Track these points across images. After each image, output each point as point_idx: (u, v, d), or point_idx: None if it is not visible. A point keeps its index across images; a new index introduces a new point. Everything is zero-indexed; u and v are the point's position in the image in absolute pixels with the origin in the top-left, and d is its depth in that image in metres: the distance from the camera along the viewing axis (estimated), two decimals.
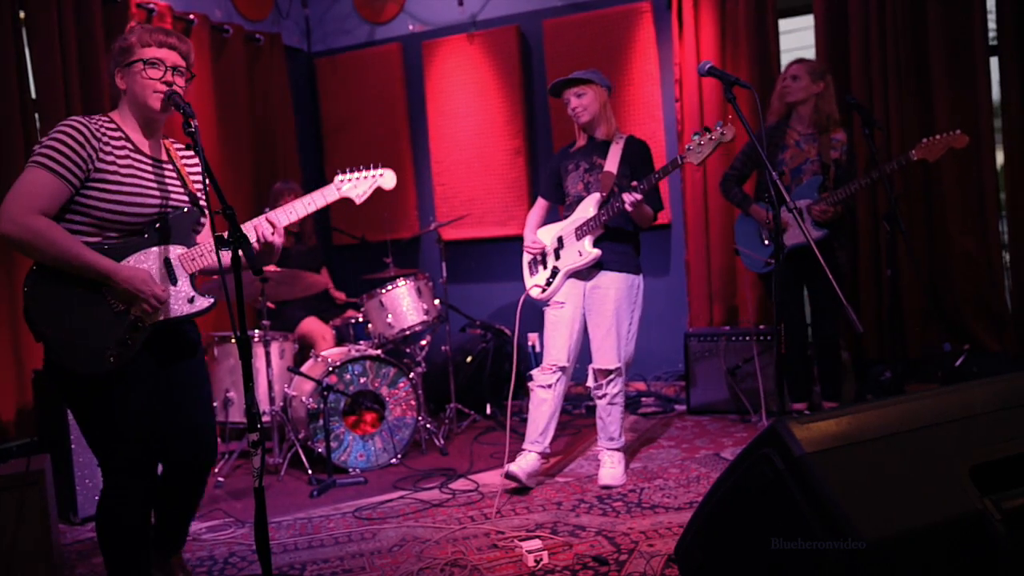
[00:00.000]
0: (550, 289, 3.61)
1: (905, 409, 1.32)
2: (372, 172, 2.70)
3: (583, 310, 3.60)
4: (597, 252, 3.51)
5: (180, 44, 2.29)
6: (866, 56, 4.60)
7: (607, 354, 3.53)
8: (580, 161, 3.64)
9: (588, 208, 3.55)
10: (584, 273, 3.58)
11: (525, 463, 3.54)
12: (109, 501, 2.25)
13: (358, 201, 2.67)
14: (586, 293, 3.59)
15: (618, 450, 3.62)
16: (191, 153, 2.44)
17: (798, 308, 4.09)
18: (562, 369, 3.57)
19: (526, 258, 3.78)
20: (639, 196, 3.35)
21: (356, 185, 2.66)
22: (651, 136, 5.12)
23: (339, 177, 2.66)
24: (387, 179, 2.73)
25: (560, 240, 3.63)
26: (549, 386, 3.57)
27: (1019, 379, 1.41)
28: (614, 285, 3.54)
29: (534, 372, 3.63)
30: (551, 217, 3.84)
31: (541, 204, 3.85)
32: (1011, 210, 4.45)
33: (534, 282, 3.69)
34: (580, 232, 3.54)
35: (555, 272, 3.62)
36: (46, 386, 3.53)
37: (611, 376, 3.54)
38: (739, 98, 2.83)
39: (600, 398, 3.58)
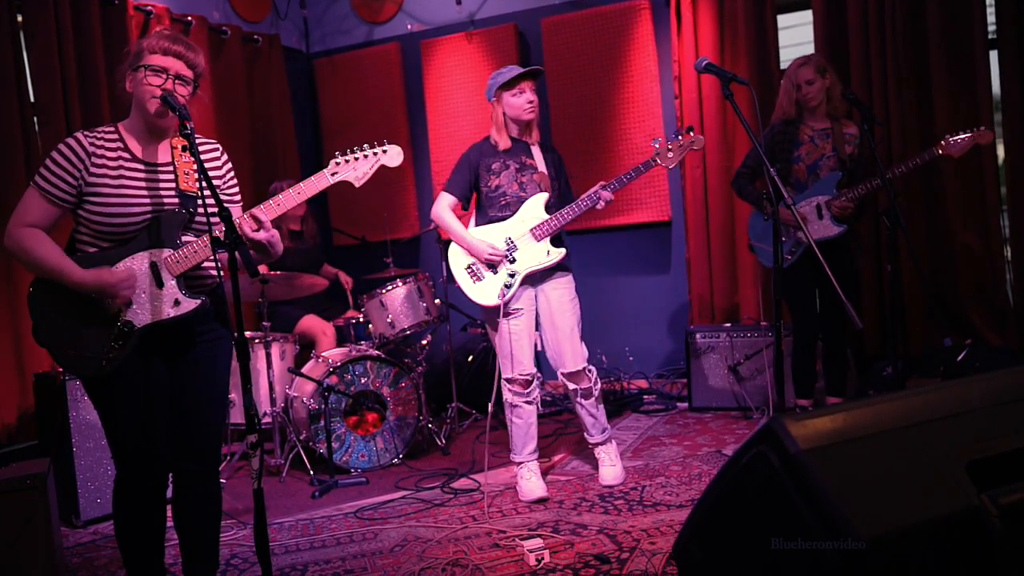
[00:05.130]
0: (510, 292, 3.47)
1: (902, 405, 1.32)
2: (373, 150, 2.44)
3: (535, 314, 3.56)
4: (563, 251, 3.49)
5: (187, 53, 2.27)
6: (865, 50, 4.59)
7: (577, 353, 3.52)
8: (508, 161, 3.57)
9: (537, 208, 3.48)
10: (535, 276, 3.52)
11: (539, 479, 3.52)
12: (117, 491, 2.38)
13: (357, 184, 2.42)
14: (540, 296, 3.54)
15: (611, 439, 3.63)
16: (212, 147, 2.43)
17: (812, 304, 3.98)
18: (534, 376, 3.56)
19: (463, 263, 3.52)
20: (611, 196, 3.43)
21: (355, 166, 2.41)
22: (651, 133, 5.11)
23: (335, 159, 2.41)
24: (391, 156, 2.45)
25: (510, 241, 3.50)
26: (532, 400, 3.57)
27: (1016, 374, 1.41)
28: (569, 285, 3.56)
29: (511, 388, 3.55)
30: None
31: (453, 203, 3.57)
32: (1012, 204, 4.44)
33: (499, 284, 3.48)
34: (539, 233, 3.47)
35: (513, 275, 3.49)
36: (47, 390, 3.53)
37: (591, 372, 3.54)
38: (737, 94, 2.82)
39: (588, 397, 3.56)
